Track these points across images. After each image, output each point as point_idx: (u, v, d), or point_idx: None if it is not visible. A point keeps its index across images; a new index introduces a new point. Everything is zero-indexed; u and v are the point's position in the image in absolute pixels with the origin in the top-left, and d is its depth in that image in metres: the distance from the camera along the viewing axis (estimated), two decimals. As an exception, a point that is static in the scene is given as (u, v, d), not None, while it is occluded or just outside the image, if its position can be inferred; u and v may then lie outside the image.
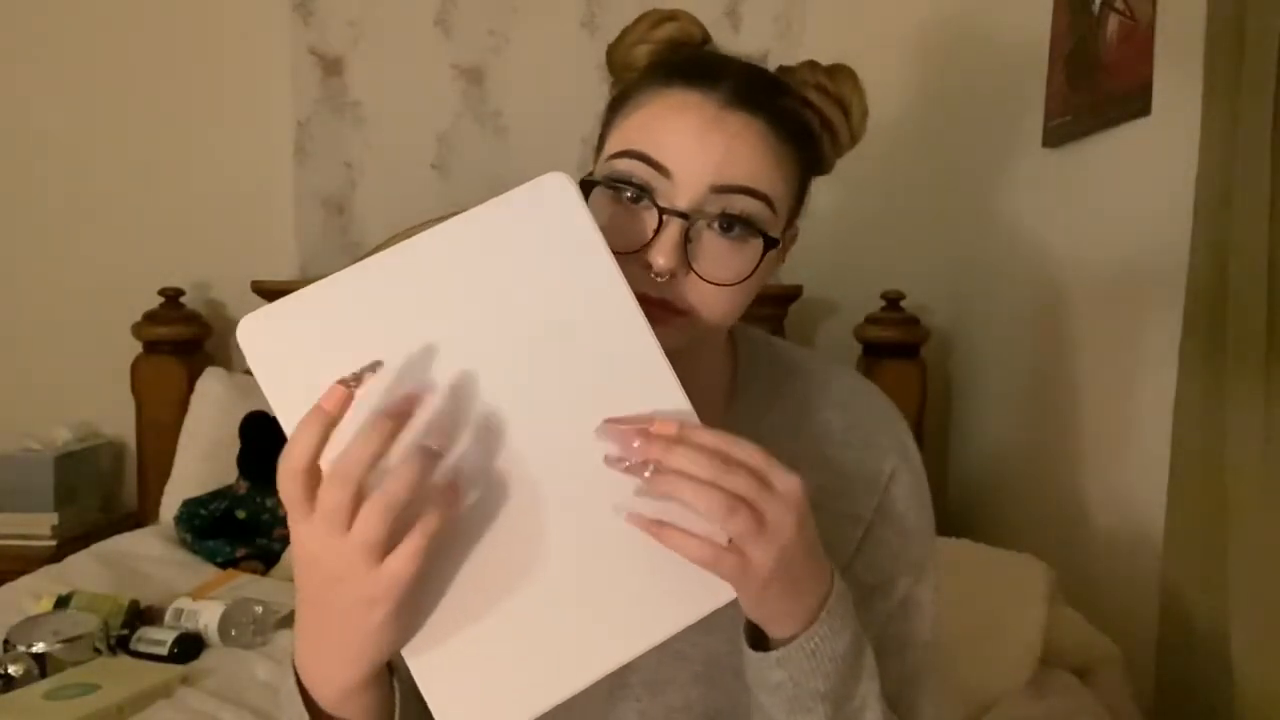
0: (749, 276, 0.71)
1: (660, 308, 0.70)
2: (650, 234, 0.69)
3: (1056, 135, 1.83)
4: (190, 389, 2.23)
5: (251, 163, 2.42)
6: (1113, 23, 1.61)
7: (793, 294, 2.28)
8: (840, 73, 0.78)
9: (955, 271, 2.36)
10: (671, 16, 0.78)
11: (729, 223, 0.71)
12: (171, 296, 2.32)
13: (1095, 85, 1.67)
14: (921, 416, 2.21)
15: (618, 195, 0.71)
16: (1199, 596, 1.23)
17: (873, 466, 0.81)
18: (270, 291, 2.33)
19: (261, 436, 1.99)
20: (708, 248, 0.71)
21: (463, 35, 2.38)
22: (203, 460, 2.12)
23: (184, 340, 2.32)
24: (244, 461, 1.99)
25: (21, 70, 2.43)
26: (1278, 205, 1.14)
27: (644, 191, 0.70)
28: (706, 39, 0.79)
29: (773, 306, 2.27)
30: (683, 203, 0.70)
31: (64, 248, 2.45)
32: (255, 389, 2.25)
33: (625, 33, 0.79)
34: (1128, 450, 1.57)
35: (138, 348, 2.31)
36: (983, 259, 2.25)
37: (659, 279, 0.69)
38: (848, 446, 0.82)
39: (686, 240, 0.70)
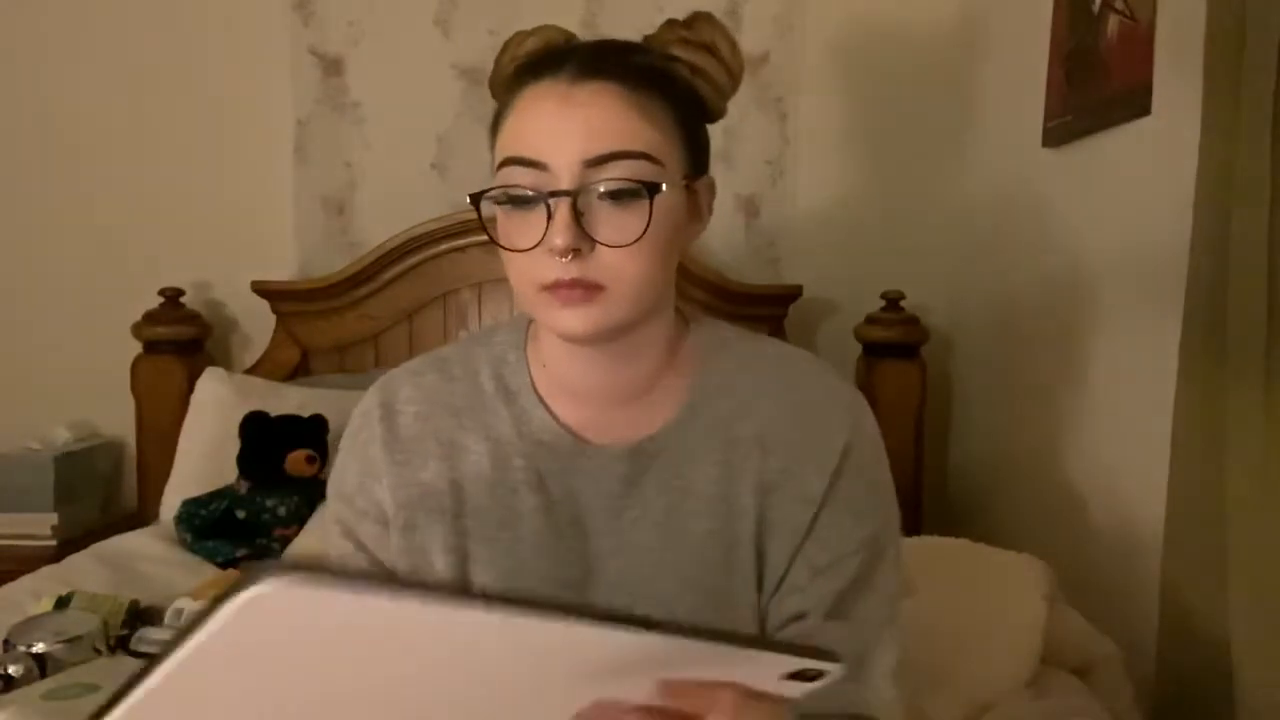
0: (647, 229, 0.73)
1: (577, 288, 0.73)
2: (545, 225, 0.72)
3: (1056, 135, 1.83)
4: (190, 389, 2.23)
5: (251, 163, 2.42)
6: (1113, 23, 1.61)
7: (793, 294, 2.28)
8: (697, 19, 0.82)
9: (955, 271, 2.36)
10: (533, 32, 0.81)
11: (614, 190, 0.73)
12: (171, 296, 2.32)
13: (1095, 85, 1.67)
14: (921, 416, 2.21)
15: (508, 202, 0.75)
16: (1199, 596, 1.23)
17: (825, 448, 0.82)
18: (270, 291, 2.33)
19: (261, 436, 1.99)
20: (601, 217, 0.73)
21: (463, 35, 2.38)
22: (203, 460, 2.12)
23: (184, 340, 2.31)
24: (244, 461, 1.99)
25: (21, 70, 2.43)
26: (1278, 205, 1.14)
27: (527, 190, 0.73)
28: (570, 40, 0.81)
29: (773, 306, 2.28)
30: (563, 185, 0.72)
31: (64, 247, 2.45)
32: (255, 389, 2.26)
33: (497, 60, 0.83)
34: (1128, 450, 1.57)
35: (138, 348, 2.31)
36: (983, 259, 2.25)
37: (565, 259, 0.72)
38: (800, 429, 0.83)
39: (579, 216, 0.72)
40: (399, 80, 2.39)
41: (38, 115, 2.44)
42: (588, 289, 0.73)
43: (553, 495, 0.82)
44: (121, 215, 2.44)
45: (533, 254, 0.74)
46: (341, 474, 0.86)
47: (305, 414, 2.03)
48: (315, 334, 2.36)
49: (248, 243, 2.42)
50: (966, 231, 2.31)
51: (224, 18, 2.41)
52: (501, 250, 0.77)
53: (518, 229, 0.74)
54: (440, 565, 0.81)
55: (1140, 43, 1.51)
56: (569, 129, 0.73)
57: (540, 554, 0.80)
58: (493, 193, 0.76)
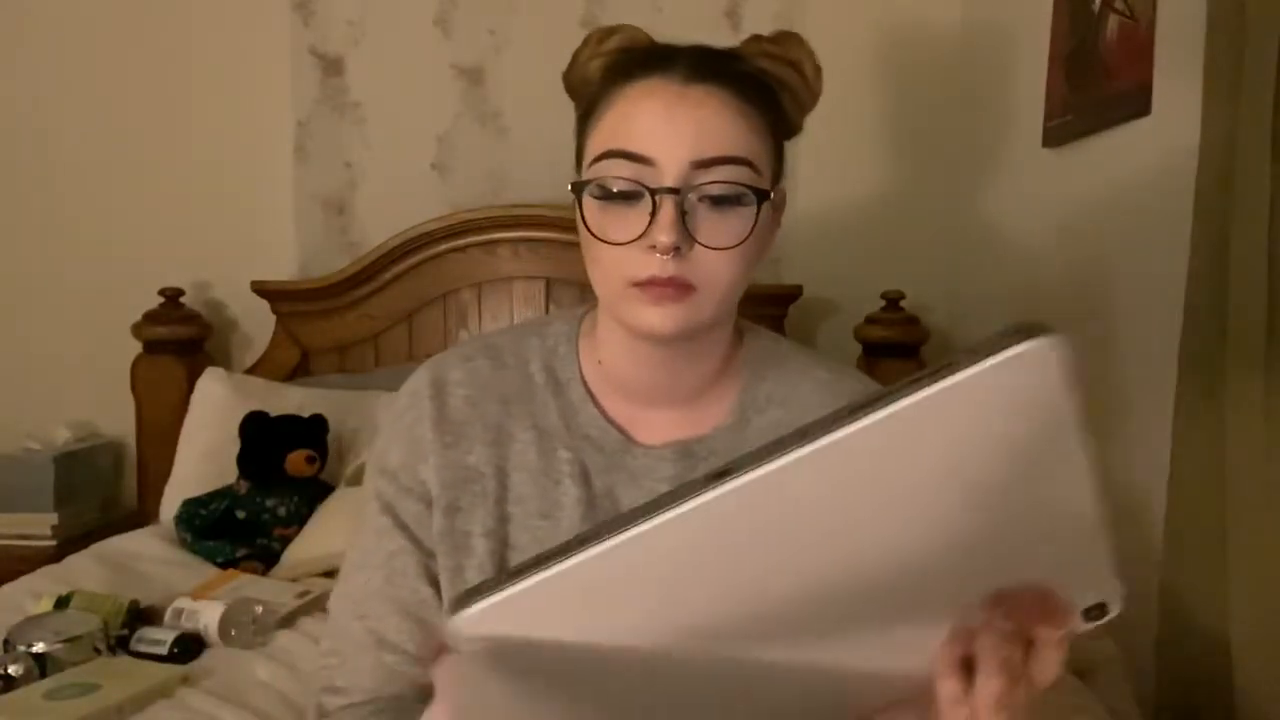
0: (750, 234, 0.74)
1: (671, 285, 0.73)
2: (648, 220, 0.72)
3: (1056, 135, 1.83)
4: (190, 389, 2.23)
5: (251, 163, 2.42)
6: (1113, 23, 1.61)
7: (793, 294, 2.28)
8: (785, 37, 0.83)
9: (955, 271, 2.36)
10: (615, 30, 0.81)
11: (719, 194, 0.73)
12: (171, 296, 2.32)
13: (1095, 85, 1.67)
14: (921, 416, 2.21)
15: (608, 196, 0.75)
16: (1199, 596, 1.23)
17: None
18: (270, 291, 2.33)
19: (261, 436, 1.98)
20: (705, 219, 0.74)
21: (463, 35, 2.38)
22: (203, 460, 2.11)
23: (184, 340, 2.31)
24: (244, 461, 1.99)
25: (21, 70, 2.43)
26: (1278, 205, 1.14)
27: (632, 184, 0.73)
28: (652, 41, 0.82)
29: (773, 306, 2.27)
30: (669, 182, 0.72)
31: (64, 248, 2.45)
32: (255, 389, 2.26)
33: (576, 55, 0.83)
34: (1128, 450, 1.57)
35: (138, 348, 2.31)
36: (982, 259, 2.25)
37: (665, 257, 0.72)
38: None
39: (683, 215, 0.73)
40: (399, 80, 2.39)
41: (37, 115, 2.43)
42: (680, 288, 0.73)
43: (595, 490, 0.82)
44: (121, 215, 2.44)
45: (627, 248, 0.74)
46: (385, 450, 0.86)
47: (305, 414, 2.03)
48: (315, 334, 2.36)
49: (248, 243, 2.42)
50: (966, 231, 2.31)
51: (224, 18, 2.41)
52: (589, 242, 0.77)
53: (614, 222, 0.74)
54: (480, 549, 0.81)
55: (1140, 43, 1.51)
56: (680, 129, 0.73)
57: None
58: (593, 185, 0.75)
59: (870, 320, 2.24)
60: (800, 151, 2.34)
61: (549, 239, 2.26)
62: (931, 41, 2.33)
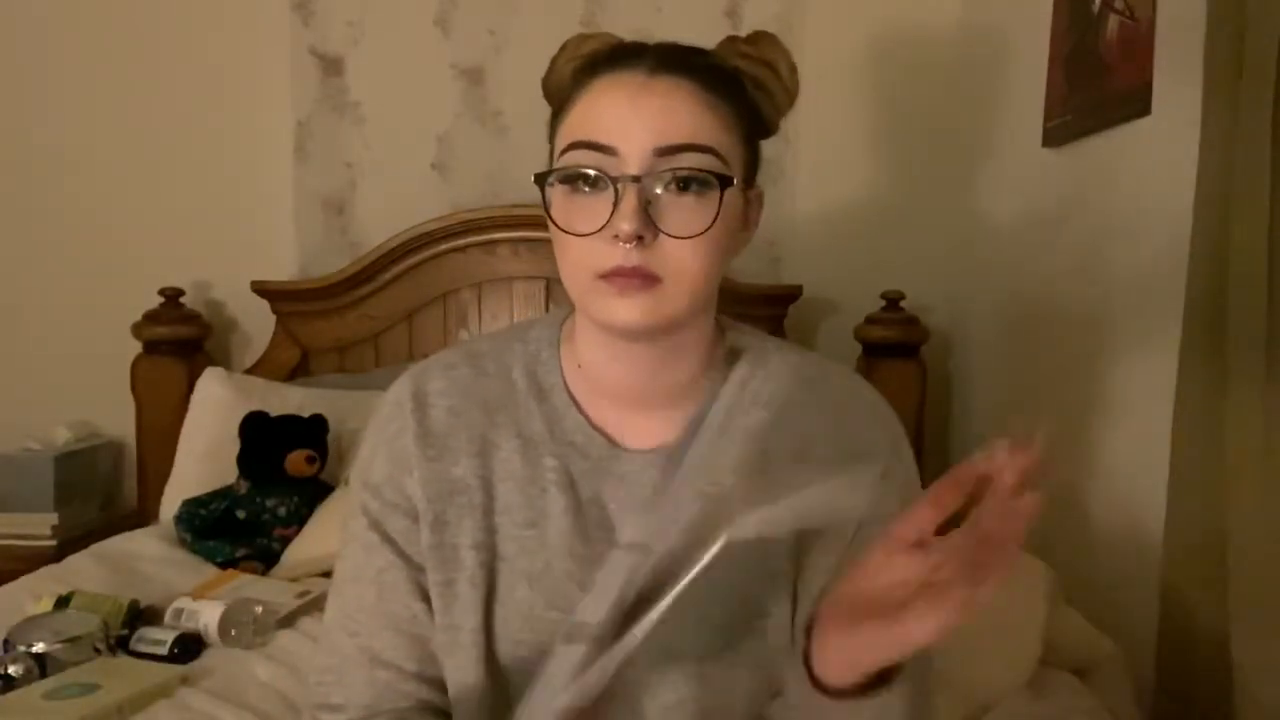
0: (714, 222, 0.73)
1: (635, 276, 0.72)
2: (611, 210, 0.72)
3: (1056, 135, 1.83)
4: (190, 389, 2.23)
5: (251, 163, 2.42)
6: (1113, 23, 1.61)
7: (793, 294, 2.28)
8: (760, 37, 0.82)
9: (955, 272, 2.36)
10: (591, 36, 0.81)
11: (683, 180, 0.73)
12: (171, 296, 2.32)
13: (1095, 85, 1.67)
14: (921, 416, 2.21)
15: (573, 186, 0.74)
16: (1199, 596, 1.23)
17: (864, 466, 0.82)
18: (270, 291, 2.33)
19: (261, 436, 1.98)
20: (668, 207, 0.73)
21: (463, 35, 2.38)
22: (203, 460, 2.12)
23: (184, 340, 2.32)
24: (244, 461, 1.99)
25: (21, 71, 2.43)
26: (1278, 205, 1.14)
27: (595, 172, 0.73)
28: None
29: (773, 306, 2.28)
30: (632, 170, 0.72)
31: (64, 248, 2.45)
32: (255, 389, 2.27)
33: (553, 61, 0.82)
34: (1128, 450, 1.57)
35: (138, 348, 2.31)
36: (983, 259, 2.25)
37: (628, 245, 0.71)
38: (839, 446, 0.83)
39: (646, 204, 0.72)
40: (399, 80, 2.39)
41: (38, 116, 2.43)
42: (646, 278, 0.72)
43: (582, 497, 0.81)
44: (122, 215, 2.44)
45: (592, 240, 0.73)
46: (369, 463, 0.85)
47: (305, 414, 2.03)
48: (315, 334, 2.36)
49: (248, 243, 2.42)
50: (966, 231, 2.31)
51: (224, 18, 2.41)
52: (557, 236, 0.76)
53: (579, 213, 0.74)
54: (470, 562, 0.81)
55: (1140, 43, 1.51)
56: (643, 118, 0.72)
57: (566, 555, 0.80)
58: (557, 173, 0.75)
59: (870, 320, 2.24)
60: (801, 151, 2.37)
61: (549, 239, 2.25)
62: (931, 42, 2.33)
